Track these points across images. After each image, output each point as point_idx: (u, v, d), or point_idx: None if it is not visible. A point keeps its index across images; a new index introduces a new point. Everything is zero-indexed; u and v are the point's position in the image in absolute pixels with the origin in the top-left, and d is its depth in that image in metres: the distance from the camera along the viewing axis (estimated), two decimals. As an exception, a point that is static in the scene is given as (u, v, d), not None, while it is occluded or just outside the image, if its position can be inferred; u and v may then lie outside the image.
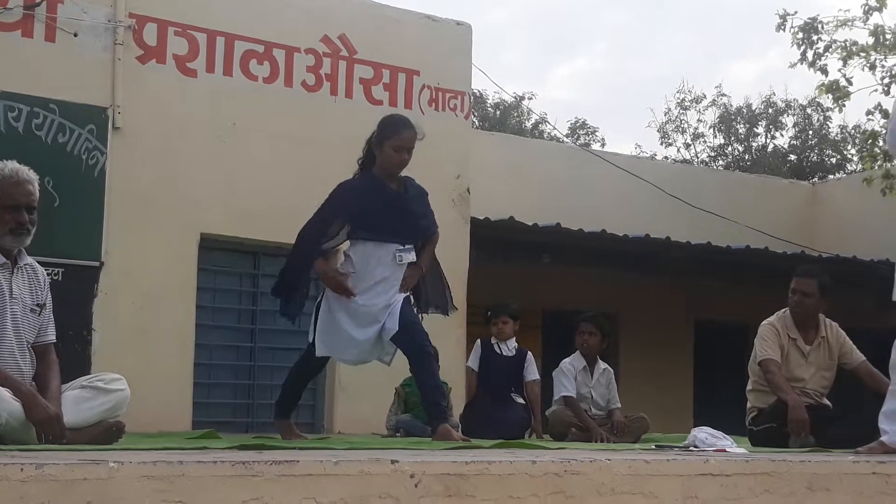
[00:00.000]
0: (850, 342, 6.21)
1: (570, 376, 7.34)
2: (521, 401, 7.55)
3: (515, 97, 26.33)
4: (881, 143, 13.48)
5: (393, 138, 5.38)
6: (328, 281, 5.37)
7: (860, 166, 16.92)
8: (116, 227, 7.28)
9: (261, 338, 8.15)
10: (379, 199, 5.39)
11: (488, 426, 6.71)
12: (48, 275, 4.46)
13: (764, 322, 6.19)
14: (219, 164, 7.79)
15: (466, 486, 3.08)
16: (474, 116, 20.22)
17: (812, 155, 26.50)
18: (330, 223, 5.48)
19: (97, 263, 7.18)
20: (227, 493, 2.72)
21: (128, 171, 7.37)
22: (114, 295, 7.22)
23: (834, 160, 26.26)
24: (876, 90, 14.05)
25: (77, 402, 4.09)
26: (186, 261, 7.62)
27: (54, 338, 4.30)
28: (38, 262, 4.43)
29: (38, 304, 4.21)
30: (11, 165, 4.19)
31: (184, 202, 7.60)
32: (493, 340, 7.64)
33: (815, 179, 19.68)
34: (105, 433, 4.08)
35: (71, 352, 6.72)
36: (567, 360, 7.49)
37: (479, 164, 9.81)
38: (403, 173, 5.52)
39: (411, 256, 5.42)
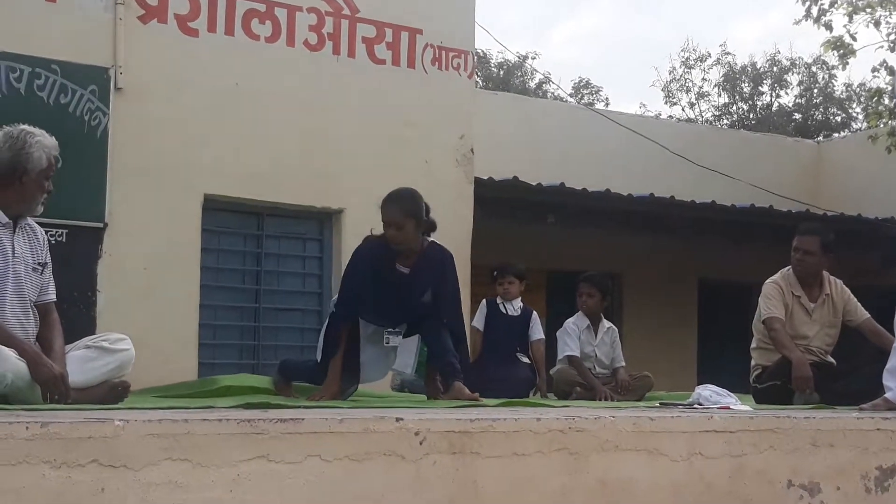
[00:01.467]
0: (855, 299, 6.21)
1: (573, 336, 7.36)
2: (526, 360, 7.56)
3: (519, 57, 26.22)
4: (886, 101, 13.41)
5: (382, 214, 5.36)
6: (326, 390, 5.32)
7: (865, 124, 16.81)
8: (120, 188, 7.25)
9: (265, 299, 8.15)
10: (381, 279, 5.38)
11: (493, 385, 6.72)
12: (52, 236, 4.48)
13: (768, 280, 6.19)
14: (221, 124, 7.74)
15: (471, 444, 3.09)
16: (478, 76, 20.13)
17: (817, 113, 26.36)
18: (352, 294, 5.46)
19: (101, 224, 7.17)
20: (232, 450, 2.73)
21: (130, 132, 7.33)
22: (118, 256, 7.21)
23: (839, 118, 26.12)
24: (881, 47, 13.95)
25: (82, 362, 4.11)
26: (190, 222, 7.60)
27: (55, 296, 4.31)
28: (43, 223, 4.45)
29: (39, 263, 4.22)
30: (45, 133, 4.24)
31: (187, 163, 7.57)
32: (499, 300, 7.64)
33: (820, 138, 19.57)
34: (110, 393, 4.10)
35: (76, 313, 6.73)
36: (571, 319, 7.51)
37: (483, 124, 9.76)
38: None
39: (398, 340, 5.49)
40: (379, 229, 5.47)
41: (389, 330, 5.47)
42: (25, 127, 4.24)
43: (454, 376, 5.18)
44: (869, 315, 6.16)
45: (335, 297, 5.73)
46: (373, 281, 5.38)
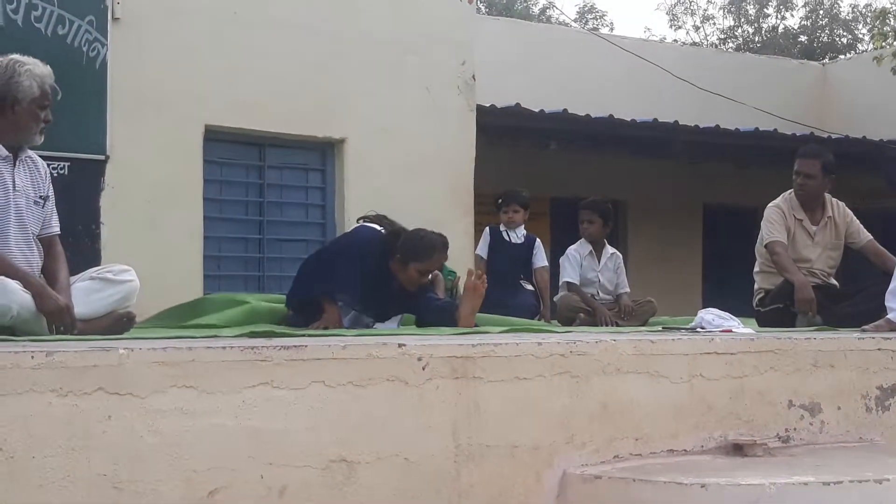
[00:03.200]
0: (857, 221, 6.20)
1: (574, 263, 7.37)
2: (530, 287, 7.58)
3: (521, -19, 25.87)
4: (891, 21, 13.25)
5: (422, 262, 5.24)
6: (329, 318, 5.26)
7: (871, 45, 16.63)
8: (120, 120, 7.21)
9: (269, 230, 8.15)
10: (378, 273, 5.33)
11: (497, 312, 6.74)
12: (54, 169, 4.47)
13: (770, 204, 6.18)
14: (221, 54, 7.67)
15: (473, 369, 3.13)
16: (479, 2, 19.87)
17: (823, 35, 26.08)
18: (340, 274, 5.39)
19: (103, 157, 7.14)
20: (237, 377, 2.77)
21: (129, 63, 7.26)
22: (120, 188, 7.19)
23: (845, 40, 25.86)
24: (888, -35, 13.74)
25: (87, 294, 4.13)
26: (192, 153, 7.57)
27: (58, 229, 4.31)
28: (44, 157, 4.43)
29: (41, 196, 4.22)
30: (38, 62, 4.18)
31: (187, 93, 7.51)
32: (503, 228, 7.64)
33: (826, 60, 19.38)
34: (115, 323, 4.12)
35: (80, 246, 6.73)
36: (573, 246, 7.51)
37: (485, 51, 9.66)
38: None
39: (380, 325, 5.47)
40: (374, 211, 5.58)
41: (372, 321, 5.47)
42: (15, 56, 4.19)
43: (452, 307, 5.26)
44: (871, 237, 6.15)
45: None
46: (368, 271, 5.31)
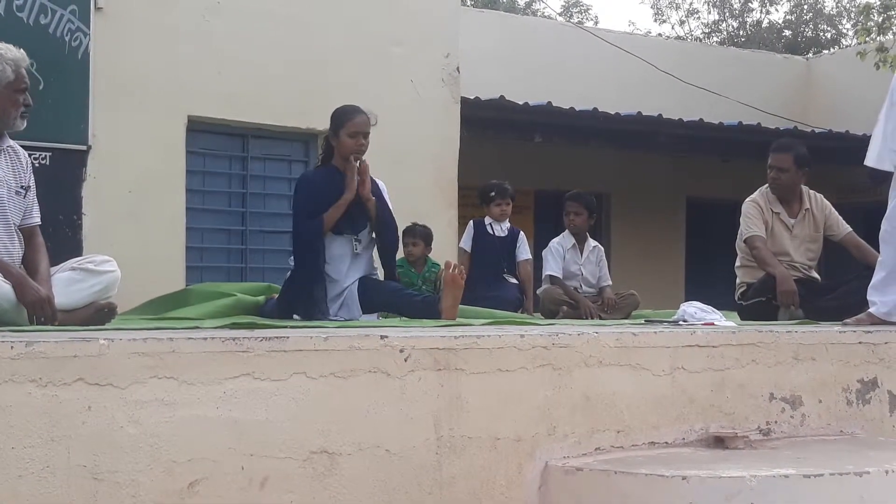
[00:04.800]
0: (836, 213, 6.21)
1: (557, 256, 7.38)
2: (514, 280, 7.58)
3: (506, -26, 25.83)
4: (875, 17, 13.28)
5: (346, 125, 5.43)
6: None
7: (855, 40, 16.69)
8: (103, 110, 7.18)
9: (251, 221, 8.14)
10: (338, 187, 5.42)
11: (482, 305, 6.74)
12: (36, 159, 4.43)
13: (747, 199, 6.19)
14: (204, 44, 7.65)
15: (456, 360, 3.12)
16: (464, -5, 19.84)
17: (807, 30, 26.16)
18: (310, 213, 5.47)
19: (84, 147, 7.12)
20: (217, 368, 2.76)
21: (112, 53, 7.24)
22: (102, 179, 7.17)
23: (829, 35, 25.94)
24: (872, -39, 13.77)
25: (68, 284, 4.10)
26: (174, 144, 7.55)
27: (39, 220, 4.28)
28: (26, 146, 4.39)
29: (22, 187, 4.18)
30: (11, 47, 4.13)
31: (170, 84, 7.49)
32: (487, 221, 7.63)
33: (810, 55, 19.43)
34: (96, 314, 4.10)
35: (61, 236, 6.72)
36: (556, 239, 7.52)
37: (470, 43, 9.67)
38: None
39: (366, 242, 5.57)
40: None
41: (355, 238, 5.51)
42: None
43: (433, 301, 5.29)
44: (851, 229, 6.17)
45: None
46: (328, 193, 5.41)
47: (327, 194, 5.41)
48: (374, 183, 5.62)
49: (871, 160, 4.78)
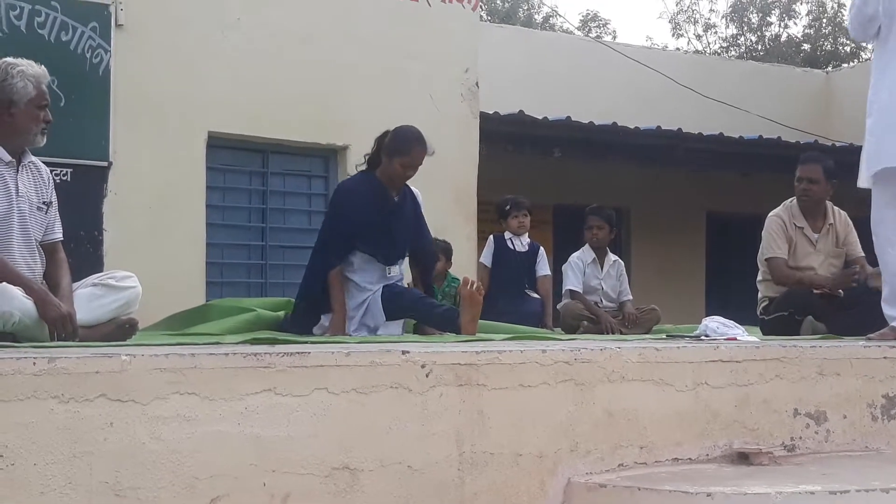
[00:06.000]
0: (855, 235, 6.19)
1: (577, 271, 7.35)
2: (535, 295, 7.56)
3: (525, -11, 25.86)
4: None
5: (404, 156, 5.48)
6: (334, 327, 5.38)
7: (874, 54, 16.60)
8: (123, 126, 7.22)
9: (271, 236, 8.15)
10: (378, 207, 5.49)
11: (503, 320, 6.72)
12: (57, 175, 4.45)
13: (770, 214, 6.17)
14: (224, 61, 7.67)
15: (477, 376, 3.11)
16: (482, 9, 19.87)
17: (826, 43, 26.08)
18: (344, 237, 5.53)
19: (105, 163, 7.15)
20: (239, 384, 2.75)
21: (132, 70, 7.27)
22: (123, 195, 7.19)
23: (848, 48, 25.84)
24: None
25: (89, 300, 4.11)
26: (194, 160, 7.57)
27: (61, 235, 4.29)
28: (47, 163, 4.42)
29: (44, 202, 4.20)
30: (32, 63, 4.16)
31: (190, 100, 7.51)
32: (508, 236, 7.62)
33: (829, 68, 19.37)
34: (118, 330, 4.10)
35: (82, 253, 6.73)
36: (576, 254, 7.50)
37: (489, 58, 9.67)
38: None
39: (398, 271, 5.62)
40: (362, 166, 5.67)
41: (388, 267, 5.54)
42: (8, 59, 4.16)
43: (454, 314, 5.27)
44: (863, 255, 6.13)
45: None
46: (370, 211, 5.44)
47: (365, 206, 5.41)
48: (409, 190, 5.63)
49: (860, 181, 4.79)
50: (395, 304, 5.45)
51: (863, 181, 4.76)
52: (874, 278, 5.34)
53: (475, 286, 5.24)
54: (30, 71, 4.11)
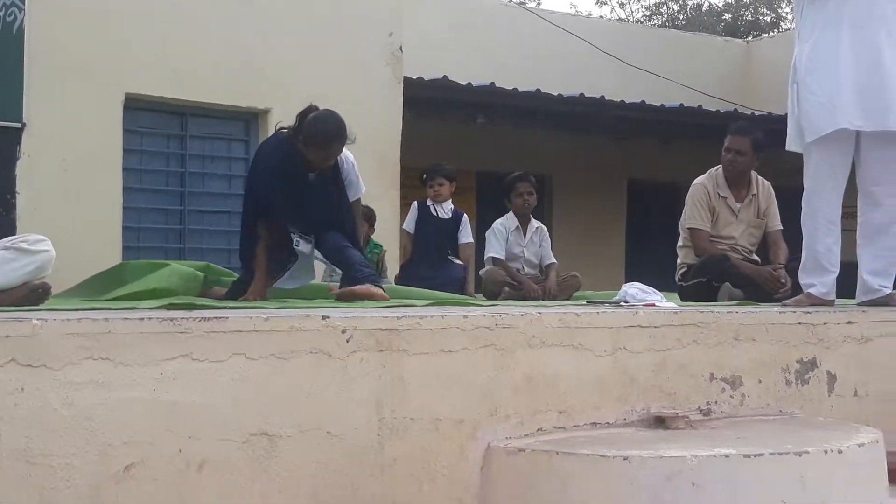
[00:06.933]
0: (776, 207, 6.27)
1: (500, 237, 7.35)
2: (458, 262, 7.54)
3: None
4: None
5: (320, 150, 5.23)
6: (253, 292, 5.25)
7: (794, 24, 16.83)
8: (38, 87, 7.01)
9: (190, 201, 8.02)
10: (290, 177, 5.29)
11: (424, 285, 6.70)
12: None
13: (695, 181, 6.23)
14: (143, 20, 7.49)
15: (398, 341, 3.10)
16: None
17: (747, 13, 26.37)
18: (252, 203, 5.44)
19: (19, 125, 6.95)
20: (154, 349, 2.71)
21: (47, 28, 7.06)
22: (37, 157, 7.01)
23: (769, 18, 26.18)
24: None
25: (0, 264, 4.00)
26: (111, 122, 7.41)
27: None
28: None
29: (-48, 162, 4.08)
30: None
31: (107, 60, 7.33)
32: (430, 202, 7.58)
33: (750, 38, 19.60)
34: (30, 295, 3.99)
35: (-6, 215, 6.58)
36: (499, 220, 7.49)
37: (413, 22, 9.60)
38: None
39: (308, 247, 5.43)
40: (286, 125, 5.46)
41: (300, 236, 5.41)
42: None
43: (367, 280, 5.17)
44: (781, 227, 6.22)
45: None
46: (283, 181, 5.29)
47: (275, 174, 5.30)
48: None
49: (789, 144, 4.82)
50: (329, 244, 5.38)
51: (794, 145, 4.77)
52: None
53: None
54: None
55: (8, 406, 2.51)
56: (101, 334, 2.64)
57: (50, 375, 2.56)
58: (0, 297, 3.87)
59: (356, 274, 5.23)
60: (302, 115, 5.35)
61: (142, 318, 2.74)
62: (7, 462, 2.50)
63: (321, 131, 5.21)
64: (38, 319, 2.59)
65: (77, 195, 7.11)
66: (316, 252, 5.54)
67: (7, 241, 4.19)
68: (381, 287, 5.19)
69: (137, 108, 7.62)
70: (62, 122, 7.11)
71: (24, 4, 6.95)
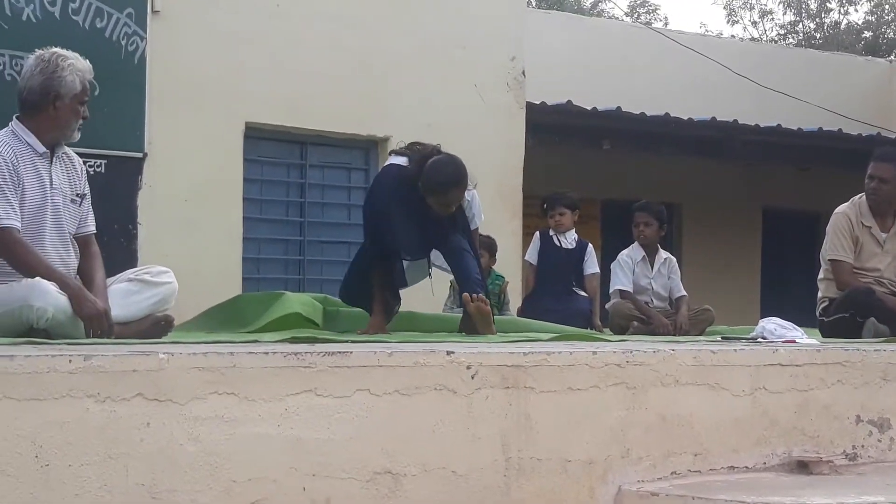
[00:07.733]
0: None
1: (626, 269, 7.19)
2: (583, 293, 7.40)
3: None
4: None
5: (440, 197, 5.14)
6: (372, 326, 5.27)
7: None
8: (159, 116, 7.14)
9: (310, 231, 8.06)
10: (413, 215, 5.25)
11: (548, 318, 6.57)
12: (91, 167, 4.41)
13: (837, 210, 5.98)
14: (262, 48, 7.58)
15: (524, 378, 3.02)
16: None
17: (888, 31, 25.54)
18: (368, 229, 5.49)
19: (140, 154, 7.08)
20: (279, 384, 2.68)
21: (169, 58, 7.19)
22: (158, 187, 7.12)
23: (912, 36, 25.35)
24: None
25: (124, 296, 4.05)
26: (231, 151, 7.50)
27: (95, 228, 4.25)
28: (81, 154, 4.36)
29: (78, 195, 4.15)
30: (79, 57, 4.12)
31: (227, 90, 7.42)
32: (552, 232, 7.47)
33: (892, 57, 18.97)
34: (153, 327, 4.04)
35: (116, 246, 6.67)
36: (625, 251, 7.34)
37: (535, 46, 9.53)
38: None
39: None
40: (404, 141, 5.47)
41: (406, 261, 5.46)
42: (57, 50, 4.12)
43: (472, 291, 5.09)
44: None
45: None
46: (397, 209, 5.26)
47: (387, 198, 5.28)
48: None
49: None
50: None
51: None
52: None
53: (477, 300, 5.05)
54: (78, 65, 4.08)
55: (134, 441, 2.50)
56: (227, 368, 2.63)
57: (176, 410, 2.55)
58: (123, 329, 3.92)
59: (463, 279, 5.19)
60: (423, 158, 5.26)
61: (266, 353, 2.73)
62: (133, 497, 2.49)
63: (441, 179, 5.12)
64: (164, 353, 2.59)
65: (197, 225, 7.20)
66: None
67: (131, 272, 4.26)
68: (479, 293, 5.10)
69: (257, 137, 7.72)
70: (183, 151, 7.22)
71: (145, 34, 7.09)
